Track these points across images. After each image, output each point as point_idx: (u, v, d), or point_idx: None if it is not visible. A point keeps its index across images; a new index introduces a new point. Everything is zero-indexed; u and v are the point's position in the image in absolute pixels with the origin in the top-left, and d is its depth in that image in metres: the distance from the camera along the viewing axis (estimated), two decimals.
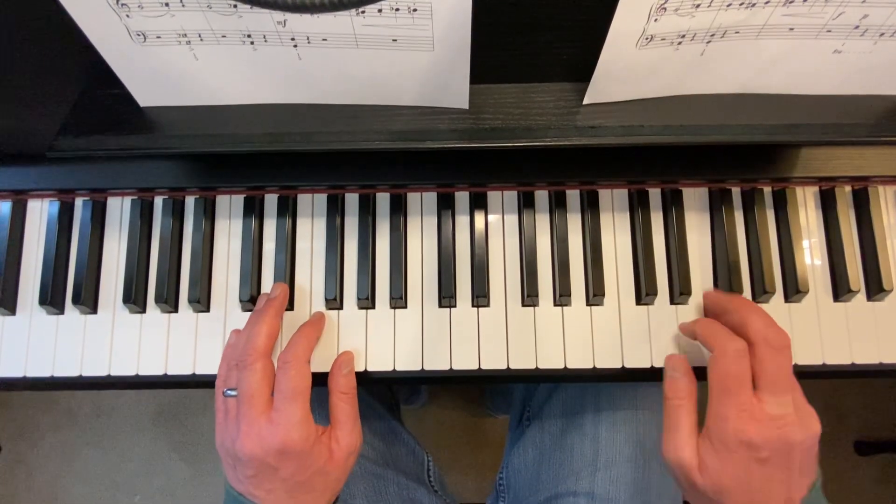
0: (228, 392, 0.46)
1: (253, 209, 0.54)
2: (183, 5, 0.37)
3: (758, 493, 0.40)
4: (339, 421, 0.47)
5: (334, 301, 0.52)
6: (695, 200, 0.54)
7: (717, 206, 0.54)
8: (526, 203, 0.53)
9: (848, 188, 0.55)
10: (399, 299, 0.52)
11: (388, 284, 0.52)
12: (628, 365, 0.51)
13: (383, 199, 0.54)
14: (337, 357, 0.50)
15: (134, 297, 0.52)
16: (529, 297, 0.52)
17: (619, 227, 0.54)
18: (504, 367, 0.51)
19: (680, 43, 0.40)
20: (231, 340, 0.51)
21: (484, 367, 0.51)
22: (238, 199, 0.54)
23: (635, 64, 0.41)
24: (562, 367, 0.51)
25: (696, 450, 0.42)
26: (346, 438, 0.47)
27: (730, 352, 0.42)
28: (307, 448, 0.44)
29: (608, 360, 0.51)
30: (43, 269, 0.53)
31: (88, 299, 0.52)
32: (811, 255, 0.53)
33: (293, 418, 0.44)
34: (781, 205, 0.54)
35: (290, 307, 0.52)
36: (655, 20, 0.38)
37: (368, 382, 0.52)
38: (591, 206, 0.53)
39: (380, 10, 0.36)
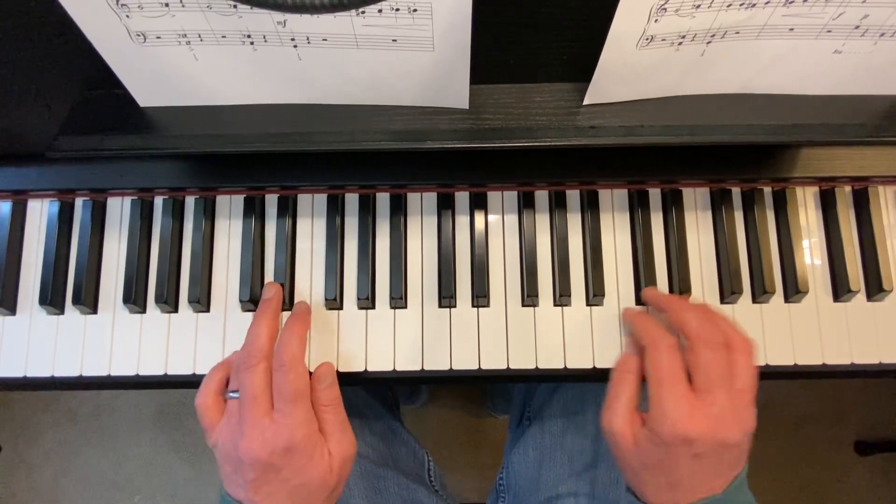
0: (231, 395, 0.46)
1: (253, 209, 0.54)
2: (183, 5, 0.37)
3: (682, 481, 0.42)
4: (326, 433, 0.47)
5: (334, 301, 0.52)
6: (695, 200, 0.54)
7: (717, 206, 0.54)
8: (526, 203, 0.53)
9: (848, 188, 0.55)
10: (399, 299, 0.52)
11: (388, 284, 0.52)
12: None
13: (383, 199, 0.54)
14: (316, 370, 0.49)
15: (134, 298, 0.52)
16: (529, 297, 0.52)
17: (619, 227, 0.54)
18: (504, 367, 0.51)
19: (680, 43, 0.40)
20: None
21: (484, 367, 0.51)
22: (238, 199, 0.54)
23: (635, 64, 0.41)
24: (562, 367, 0.51)
25: (629, 422, 0.44)
26: (336, 448, 0.46)
27: (661, 345, 0.43)
28: (311, 448, 0.44)
29: (608, 360, 0.51)
30: (43, 269, 0.53)
31: (88, 299, 0.52)
32: (811, 255, 0.53)
33: (297, 418, 0.44)
34: (781, 205, 0.54)
35: (291, 308, 0.52)
36: (656, 21, 0.38)
37: (368, 382, 0.52)
38: (591, 206, 0.53)
39: (380, 11, 0.36)
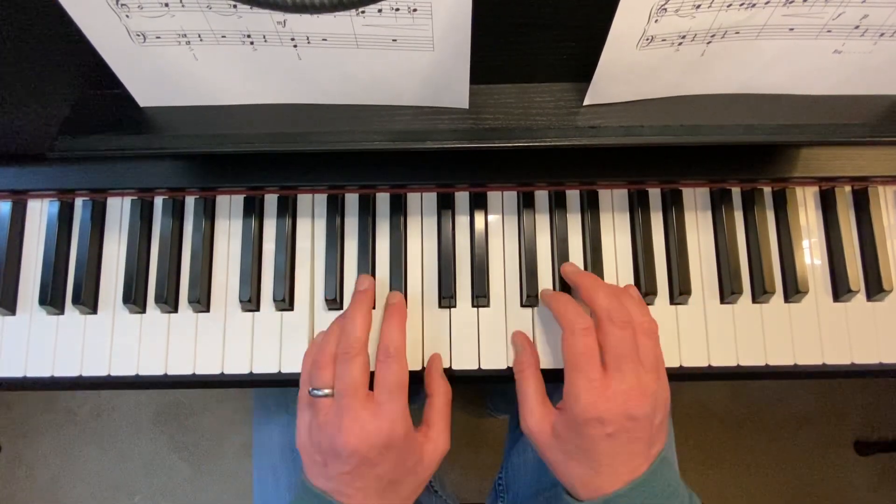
0: (315, 392, 0.45)
1: (253, 209, 0.54)
2: (183, 5, 0.37)
3: (603, 464, 0.42)
4: (434, 422, 0.47)
5: (334, 301, 0.52)
6: (695, 200, 0.54)
7: (717, 206, 0.54)
8: (526, 203, 0.53)
9: (848, 188, 0.55)
10: None
11: (388, 284, 0.52)
12: None
13: (383, 199, 0.54)
14: (430, 360, 0.50)
15: (134, 298, 0.52)
16: (529, 297, 0.52)
17: (619, 227, 0.54)
18: (504, 367, 0.51)
19: (680, 44, 0.40)
20: (317, 339, 0.49)
21: (484, 367, 0.51)
22: (238, 199, 0.54)
23: (636, 64, 0.41)
24: (561, 367, 0.51)
25: (544, 417, 0.45)
26: (440, 438, 0.46)
27: (577, 329, 0.44)
28: (407, 444, 0.44)
29: None
30: (43, 269, 0.53)
31: (88, 299, 0.52)
32: (811, 255, 0.53)
33: (398, 412, 0.43)
34: (781, 205, 0.54)
35: (290, 307, 0.53)
36: (656, 21, 0.38)
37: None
38: (591, 206, 0.53)
39: (380, 10, 0.36)
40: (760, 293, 0.52)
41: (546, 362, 0.51)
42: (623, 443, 0.42)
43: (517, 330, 0.51)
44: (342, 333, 0.46)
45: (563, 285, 0.52)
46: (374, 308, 0.51)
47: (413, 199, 0.54)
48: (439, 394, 0.48)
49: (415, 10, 0.36)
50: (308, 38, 0.39)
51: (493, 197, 0.54)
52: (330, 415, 0.44)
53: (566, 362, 0.44)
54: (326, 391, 0.45)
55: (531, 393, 0.47)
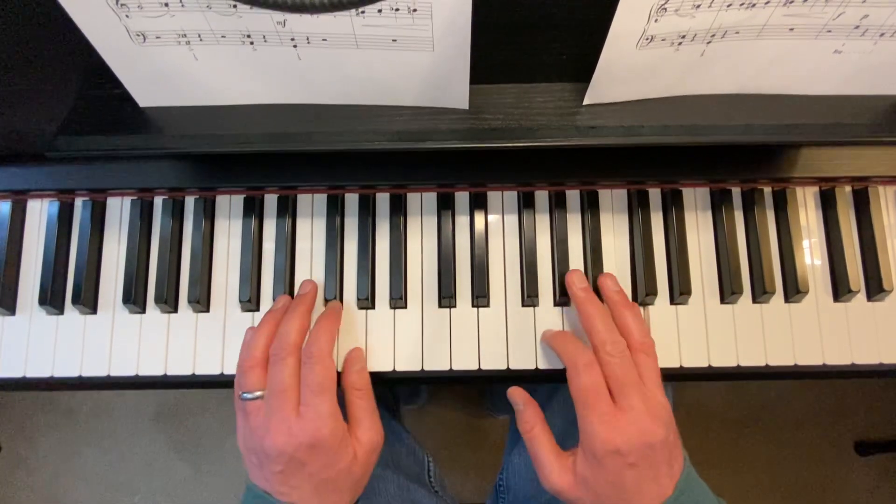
0: (245, 395, 0.45)
1: (253, 209, 0.54)
2: (182, 5, 0.37)
3: (632, 494, 0.42)
4: (357, 419, 0.47)
5: (334, 301, 0.52)
6: (695, 200, 0.54)
7: (717, 206, 0.54)
8: (526, 203, 0.53)
9: (848, 188, 0.54)
10: (399, 299, 0.52)
11: (388, 284, 0.52)
12: None
13: (383, 199, 0.54)
14: (347, 354, 0.50)
15: (134, 298, 0.52)
16: (529, 297, 0.52)
17: (618, 227, 0.54)
18: (504, 367, 0.51)
19: (680, 43, 0.40)
20: (246, 338, 0.49)
21: (484, 367, 0.51)
22: (238, 199, 0.54)
23: (635, 64, 0.41)
24: (562, 367, 0.51)
25: (564, 469, 0.45)
26: (366, 435, 0.47)
27: (580, 366, 0.44)
28: (336, 443, 0.44)
29: None
30: (43, 270, 0.53)
31: (88, 299, 0.52)
32: (811, 255, 0.53)
33: (323, 413, 0.43)
34: (781, 205, 0.54)
35: None
36: (656, 21, 0.37)
37: None
38: (591, 207, 0.53)
39: (380, 11, 0.36)
40: (760, 293, 0.52)
41: (547, 363, 0.51)
42: (645, 469, 0.42)
43: (514, 388, 0.50)
44: (277, 335, 0.46)
45: (564, 285, 0.52)
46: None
47: (413, 199, 0.54)
48: (351, 389, 0.48)
49: (415, 10, 0.36)
50: (308, 38, 0.39)
51: (493, 197, 0.54)
52: (260, 417, 0.45)
53: (575, 400, 0.44)
54: (256, 394, 0.45)
55: (545, 451, 0.46)
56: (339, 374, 0.49)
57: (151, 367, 0.52)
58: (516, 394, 0.49)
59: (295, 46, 0.40)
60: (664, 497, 0.42)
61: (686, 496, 0.43)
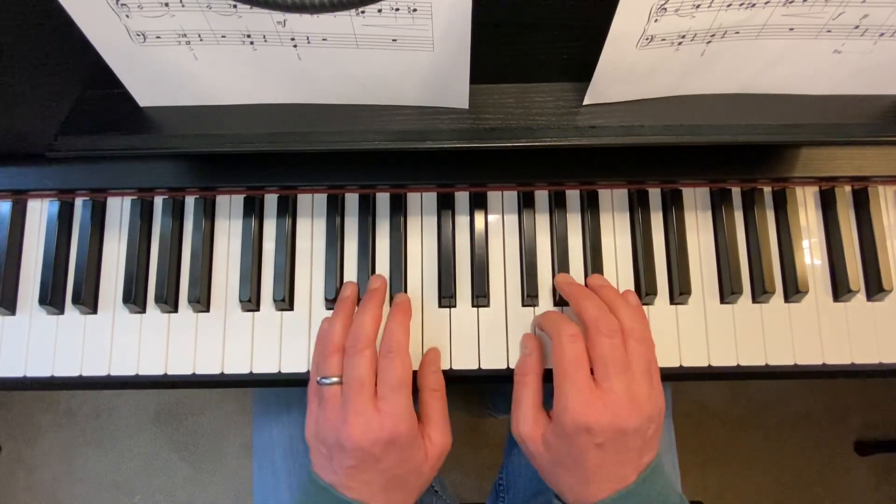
0: (324, 381, 0.45)
1: (253, 209, 0.54)
2: (183, 5, 0.37)
3: (591, 474, 0.42)
4: (431, 419, 0.47)
5: (334, 301, 0.52)
6: (695, 200, 0.54)
7: (717, 206, 0.54)
8: (526, 203, 0.53)
9: (848, 188, 0.55)
10: None
11: (389, 285, 0.52)
12: None
13: (383, 199, 0.54)
14: (425, 354, 0.50)
15: (134, 297, 0.52)
16: (529, 297, 0.52)
17: (618, 227, 0.54)
18: (504, 367, 0.51)
19: (680, 43, 0.40)
20: (323, 327, 0.50)
21: (484, 367, 0.51)
22: (238, 199, 0.54)
23: (635, 64, 0.41)
24: None
25: (537, 424, 0.45)
26: (439, 437, 0.46)
27: (563, 336, 0.44)
28: (411, 441, 0.44)
29: None
30: (43, 269, 0.53)
31: (88, 299, 0.52)
32: (811, 255, 0.53)
33: (400, 409, 0.43)
34: (781, 205, 0.54)
35: (290, 308, 0.52)
36: (656, 20, 0.38)
37: None
38: (590, 206, 0.53)
39: (380, 10, 0.36)
40: (760, 293, 0.52)
41: (548, 363, 0.51)
42: (612, 453, 0.42)
43: (528, 333, 0.50)
44: (354, 326, 0.46)
45: None
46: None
47: (413, 199, 0.54)
48: (427, 389, 0.48)
49: (415, 10, 0.36)
50: (308, 38, 0.39)
51: (493, 197, 0.54)
52: (336, 408, 0.44)
53: (555, 372, 0.44)
54: (334, 379, 0.45)
55: (528, 399, 0.46)
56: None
57: (151, 367, 0.52)
58: (529, 340, 0.49)
59: (295, 46, 0.40)
60: (624, 484, 0.42)
61: (647, 485, 0.42)
